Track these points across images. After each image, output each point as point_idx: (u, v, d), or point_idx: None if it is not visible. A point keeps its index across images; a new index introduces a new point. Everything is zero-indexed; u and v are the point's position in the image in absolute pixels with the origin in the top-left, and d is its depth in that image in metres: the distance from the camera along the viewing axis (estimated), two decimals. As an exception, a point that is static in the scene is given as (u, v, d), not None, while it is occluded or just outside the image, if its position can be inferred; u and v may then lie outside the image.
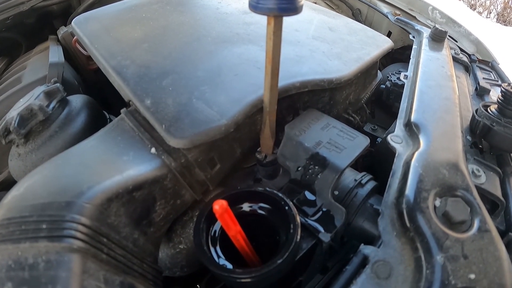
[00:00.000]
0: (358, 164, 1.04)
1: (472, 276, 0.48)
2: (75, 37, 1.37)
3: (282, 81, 0.72)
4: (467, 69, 1.29)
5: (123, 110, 0.72)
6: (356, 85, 1.00)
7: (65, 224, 0.43)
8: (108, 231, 0.48)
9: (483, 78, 1.29)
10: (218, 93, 0.70)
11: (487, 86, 1.16)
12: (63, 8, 1.85)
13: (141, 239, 0.56)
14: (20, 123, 0.79)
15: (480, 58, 1.47)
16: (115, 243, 0.49)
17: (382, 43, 1.08)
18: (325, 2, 2.06)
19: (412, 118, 0.78)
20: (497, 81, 1.30)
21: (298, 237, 0.53)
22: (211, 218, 0.56)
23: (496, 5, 7.56)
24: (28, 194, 0.49)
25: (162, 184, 0.59)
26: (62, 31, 1.49)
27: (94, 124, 0.89)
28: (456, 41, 1.53)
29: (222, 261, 0.54)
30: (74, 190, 0.48)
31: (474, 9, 7.66)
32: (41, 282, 0.39)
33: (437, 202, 0.58)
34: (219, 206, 0.45)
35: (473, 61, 1.42)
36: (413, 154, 0.66)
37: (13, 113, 0.81)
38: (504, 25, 6.73)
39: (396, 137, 0.74)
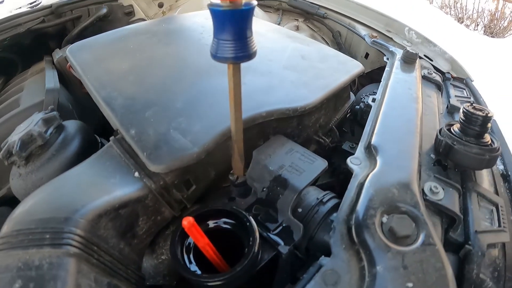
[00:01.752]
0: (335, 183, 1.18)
1: (410, 284, 0.55)
2: (69, 63, 1.51)
3: (250, 112, 0.86)
4: (440, 88, 1.40)
5: (111, 138, 0.86)
6: (326, 109, 1.13)
7: (64, 235, 0.56)
8: (98, 241, 0.61)
9: (456, 95, 1.41)
10: (192, 123, 0.84)
11: (458, 104, 1.26)
12: (58, 30, 2.00)
13: (126, 249, 0.69)
14: (21, 147, 0.91)
15: (455, 75, 1.59)
16: (104, 251, 0.61)
17: (352, 68, 1.21)
18: (307, 25, 2.21)
19: (372, 140, 0.88)
20: (470, 98, 1.42)
21: (256, 248, 0.66)
22: (185, 232, 0.69)
23: (483, 17, 7.72)
24: (33, 211, 0.62)
25: (144, 203, 0.72)
26: (57, 55, 1.63)
27: (87, 148, 1.02)
28: (432, 60, 1.65)
29: (194, 268, 0.67)
30: (71, 207, 0.61)
31: (462, 22, 7.81)
32: (45, 279, 0.51)
33: (384, 219, 0.66)
34: (187, 222, 0.58)
35: (447, 79, 1.55)
36: (367, 175, 0.77)
37: (15, 138, 0.93)
38: (491, 37, 6.88)
39: (356, 159, 0.84)
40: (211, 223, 0.74)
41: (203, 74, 1.05)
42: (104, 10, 2.03)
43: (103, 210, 0.64)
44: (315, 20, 2.25)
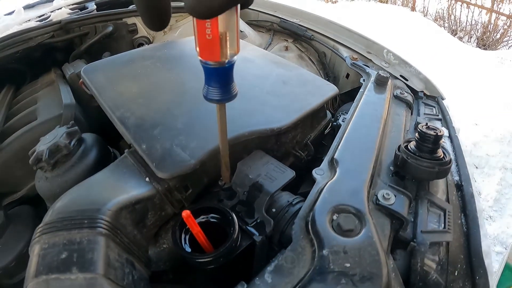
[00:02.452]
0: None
1: (347, 264, 0.74)
2: (81, 80, 1.74)
3: (235, 131, 1.10)
4: (410, 106, 1.60)
5: (126, 151, 1.11)
6: (302, 127, 1.37)
7: (97, 221, 0.79)
8: (120, 227, 0.85)
9: (425, 113, 1.60)
10: (190, 140, 1.09)
11: (425, 121, 1.37)
12: (65, 44, 2.19)
13: (138, 236, 0.93)
14: (50, 155, 1.13)
15: (428, 93, 1.79)
16: (124, 234, 0.85)
17: (327, 92, 1.45)
18: (295, 46, 2.41)
19: (335, 155, 1.12)
20: (438, 115, 1.61)
21: (236, 235, 0.90)
22: (184, 223, 0.94)
23: (476, 30, 7.83)
24: (71, 204, 0.85)
25: (152, 201, 0.97)
26: (69, 71, 1.83)
27: (102, 157, 1.25)
28: (407, 80, 1.84)
29: (188, 249, 0.91)
30: (101, 202, 0.85)
31: (455, 34, 7.92)
32: (85, 251, 0.70)
33: (335, 217, 0.87)
34: (185, 214, 0.82)
35: (419, 98, 1.75)
36: (327, 183, 1.00)
37: (43, 147, 1.15)
38: (483, 49, 7.00)
39: (320, 170, 1.08)
40: (203, 217, 0.99)
41: (198, 99, 1.27)
42: (110, 28, 2.22)
43: (123, 204, 0.88)
44: (303, 41, 2.44)
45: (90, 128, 1.61)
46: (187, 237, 0.95)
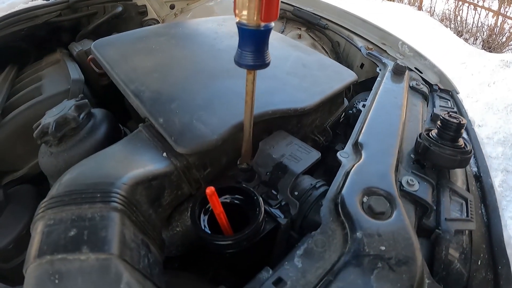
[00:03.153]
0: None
1: (383, 247, 0.71)
2: (89, 56, 1.66)
3: (258, 109, 1.02)
4: (426, 98, 1.56)
5: (141, 125, 1.03)
6: (322, 112, 1.31)
7: (112, 195, 0.71)
8: (136, 203, 0.77)
9: (440, 106, 1.57)
10: (211, 116, 1.02)
11: (441, 113, 1.36)
12: (72, 24, 2.12)
13: (153, 215, 0.85)
14: (56, 128, 1.05)
15: (442, 87, 1.74)
16: (139, 212, 0.77)
17: (346, 77, 1.39)
18: (308, 34, 2.35)
19: (359, 139, 1.06)
20: (453, 108, 1.58)
21: (261, 217, 0.83)
22: (204, 201, 0.86)
23: (482, 32, 7.84)
24: (81, 177, 0.77)
25: (170, 178, 0.89)
26: (76, 49, 1.76)
27: (112, 133, 1.18)
28: (421, 73, 1.81)
29: (207, 231, 0.84)
30: (115, 175, 0.77)
31: (461, 35, 7.93)
32: (97, 227, 0.64)
33: (365, 199, 0.83)
34: (210, 190, 0.75)
35: (434, 90, 1.71)
36: (353, 165, 0.95)
37: (49, 120, 1.08)
38: (488, 51, 7.00)
39: (344, 153, 1.02)
40: (226, 197, 0.91)
41: (216, 77, 1.22)
42: (120, 9, 2.16)
43: (140, 179, 0.80)
44: (316, 30, 2.39)
45: (97, 108, 1.52)
46: (206, 218, 0.87)
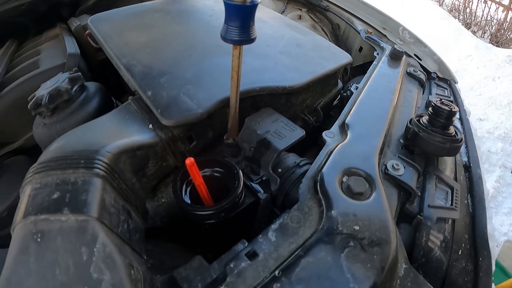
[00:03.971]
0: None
1: (357, 227, 0.72)
2: (87, 31, 1.68)
3: (246, 85, 1.05)
4: (422, 85, 1.56)
5: (130, 97, 1.06)
6: (313, 92, 1.33)
7: (95, 161, 0.74)
8: (118, 171, 0.80)
9: (437, 94, 1.56)
10: (198, 90, 1.04)
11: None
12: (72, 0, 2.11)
13: (137, 184, 0.88)
14: (49, 100, 1.08)
15: (441, 76, 1.74)
16: (122, 180, 0.80)
17: (341, 59, 1.40)
18: (309, 15, 2.34)
19: (347, 120, 1.07)
20: (450, 97, 1.57)
21: (240, 189, 0.86)
22: (186, 175, 0.89)
23: (491, 26, 7.72)
24: (68, 144, 0.80)
25: (154, 149, 0.92)
26: (74, 23, 1.77)
27: (104, 106, 1.20)
28: (420, 60, 1.79)
29: (188, 200, 0.87)
30: (100, 143, 0.80)
31: (469, 28, 7.81)
32: (79, 191, 0.66)
33: (345, 179, 0.85)
34: (189, 161, 0.78)
35: (432, 78, 1.70)
36: (337, 145, 0.96)
37: (43, 92, 1.10)
38: (496, 46, 6.90)
39: (330, 133, 1.04)
40: (206, 170, 0.94)
41: (208, 53, 1.24)
42: None
43: (124, 148, 0.83)
44: (317, 12, 2.38)
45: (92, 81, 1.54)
46: (188, 189, 0.90)
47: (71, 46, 1.60)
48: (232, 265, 0.67)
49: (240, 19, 0.76)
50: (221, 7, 1.59)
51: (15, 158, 1.46)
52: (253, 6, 0.74)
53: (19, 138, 1.52)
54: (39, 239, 0.59)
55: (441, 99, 1.05)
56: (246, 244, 0.71)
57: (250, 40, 0.79)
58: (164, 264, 0.83)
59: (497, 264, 2.28)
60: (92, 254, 0.58)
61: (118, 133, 0.88)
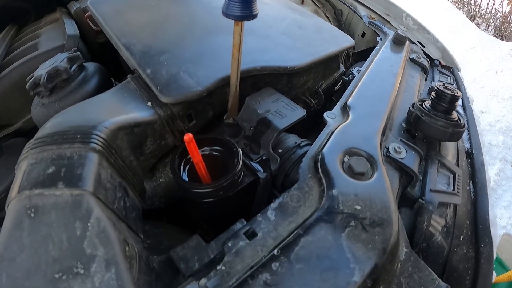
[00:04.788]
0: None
1: (358, 207, 0.70)
2: (87, 13, 1.66)
3: (246, 65, 1.03)
4: (425, 71, 1.54)
5: (129, 76, 1.04)
6: (315, 74, 1.31)
7: (92, 136, 0.73)
8: (115, 147, 0.78)
9: (440, 80, 1.54)
10: (198, 69, 1.03)
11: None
12: None
13: (134, 162, 0.87)
14: (48, 79, 1.07)
15: (444, 63, 1.71)
16: (119, 156, 0.79)
17: (343, 42, 1.38)
18: (312, 0, 2.31)
19: (348, 101, 1.05)
20: (452, 84, 1.55)
21: (239, 167, 0.84)
22: (185, 153, 0.87)
23: (495, 18, 7.67)
24: (65, 120, 0.79)
25: (152, 127, 0.91)
26: (74, 6, 1.75)
27: (103, 86, 1.19)
28: (424, 47, 1.77)
29: (186, 178, 0.86)
30: (98, 119, 0.79)
31: (473, 20, 7.76)
32: (74, 166, 0.66)
33: (346, 158, 0.83)
34: (188, 137, 0.76)
35: (435, 65, 1.68)
36: (338, 125, 0.94)
37: (41, 71, 1.09)
38: (500, 39, 6.86)
39: (331, 114, 1.02)
40: (205, 149, 0.93)
41: (209, 32, 1.23)
42: None
43: (121, 125, 0.81)
44: None
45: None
46: (187, 168, 0.89)
47: (71, 28, 1.58)
48: (230, 244, 0.65)
49: None
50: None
51: (13, 140, 1.45)
52: None
53: (18, 121, 1.50)
54: (32, 214, 0.58)
55: (444, 83, 1.04)
56: (245, 223, 0.70)
57: (252, 16, 0.78)
58: (162, 245, 0.83)
59: (496, 258, 2.28)
60: (86, 229, 0.57)
61: (116, 110, 0.87)
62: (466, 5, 8.20)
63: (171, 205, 1.07)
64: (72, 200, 0.60)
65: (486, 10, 7.85)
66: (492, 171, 3.89)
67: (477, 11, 8.01)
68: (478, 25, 7.53)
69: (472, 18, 7.88)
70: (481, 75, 5.64)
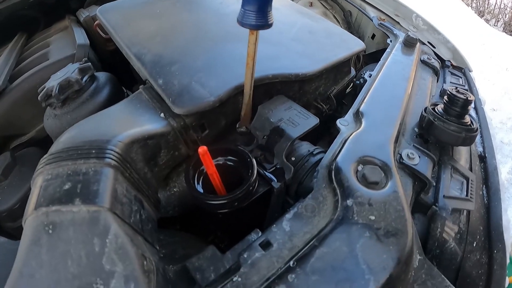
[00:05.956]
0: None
1: (372, 217, 0.70)
2: (96, 22, 1.67)
3: (259, 73, 1.02)
4: (437, 73, 1.53)
5: (141, 87, 1.05)
6: (326, 80, 1.30)
7: (106, 151, 0.73)
8: (130, 161, 0.79)
9: (451, 82, 1.53)
10: (210, 78, 1.02)
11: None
12: None
13: (149, 174, 0.87)
14: (60, 90, 1.08)
15: (455, 64, 1.70)
16: (134, 170, 0.79)
17: (353, 46, 1.37)
18: (320, 3, 2.31)
19: (361, 108, 1.05)
20: (464, 86, 1.54)
21: (254, 178, 0.84)
22: (198, 163, 0.87)
23: (504, 14, 7.61)
24: (79, 135, 0.79)
25: (166, 138, 0.91)
26: (83, 14, 1.77)
27: (115, 96, 1.19)
28: (434, 47, 1.75)
29: (200, 189, 0.86)
30: (112, 133, 0.79)
31: (482, 16, 7.70)
32: (90, 182, 0.66)
33: (360, 167, 0.83)
34: (202, 149, 0.76)
35: (446, 66, 1.66)
36: (352, 133, 0.94)
37: (53, 83, 1.10)
38: (510, 35, 6.79)
39: (344, 121, 1.01)
40: (219, 159, 0.93)
41: (219, 40, 1.22)
42: None
43: (135, 138, 0.82)
44: None
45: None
46: (201, 178, 0.89)
47: (81, 37, 1.59)
48: (245, 255, 0.65)
49: (258, 3, 0.75)
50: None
51: (26, 150, 1.46)
52: None
53: (30, 130, 1.52)
54: (50, 231, 0.58)
55: (456, 88, 1.03)
56: (260, 234, 0.70)
57: (267, 25, 0.78)
58: (177, 254, 0.83)
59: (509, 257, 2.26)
60: (104, 245, 0.57)
61: (129, 123, 0.87)
62: (475, 1, 8.13)
63: (184, 213, 1.07)
64: (90, 216, 0.60)
65: (494, 6, 7.79)
66: (504, 170, 3.86)
67: (486, 6, 7.95)
68: (487, 21, 7.47)
69: (481, 14, 7.82)
70: (491, 72, 5.60)
